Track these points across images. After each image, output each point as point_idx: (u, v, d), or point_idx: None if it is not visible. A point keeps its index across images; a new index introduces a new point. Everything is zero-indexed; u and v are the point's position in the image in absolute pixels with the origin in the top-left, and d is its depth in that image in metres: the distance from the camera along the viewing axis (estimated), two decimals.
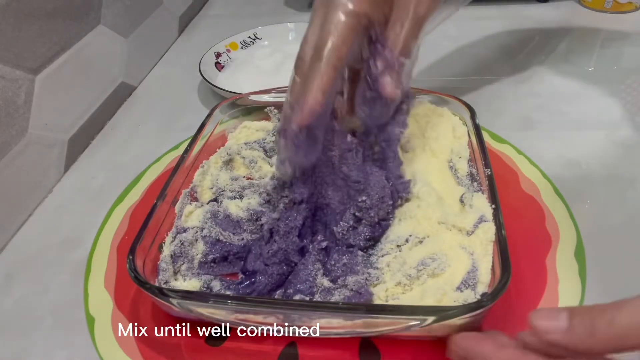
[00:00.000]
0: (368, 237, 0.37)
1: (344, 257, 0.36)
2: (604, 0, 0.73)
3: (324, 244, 0.37)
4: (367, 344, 0.34)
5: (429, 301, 0.31)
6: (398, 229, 0.37)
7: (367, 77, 0.35)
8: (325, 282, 0.35)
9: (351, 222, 0.37)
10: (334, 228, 0.37)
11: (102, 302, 0.39)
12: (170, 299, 0.31)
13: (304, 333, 0.32)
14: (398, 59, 0.34)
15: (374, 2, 0.32)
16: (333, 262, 0.36)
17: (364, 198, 0.36)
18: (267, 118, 0.50)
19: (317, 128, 0.34)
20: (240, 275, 0.38)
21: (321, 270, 0.36)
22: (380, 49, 0.34)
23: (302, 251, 0.37)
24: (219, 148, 0.47)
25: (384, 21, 0.34)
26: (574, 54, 0.66)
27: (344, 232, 0.37)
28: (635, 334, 0.23)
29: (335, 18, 0.32)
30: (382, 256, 0.36)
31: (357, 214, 0.37)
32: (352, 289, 0.34)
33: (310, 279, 0.35)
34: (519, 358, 0.26)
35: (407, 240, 0.36)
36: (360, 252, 0.37)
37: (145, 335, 0.36)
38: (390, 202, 0.37)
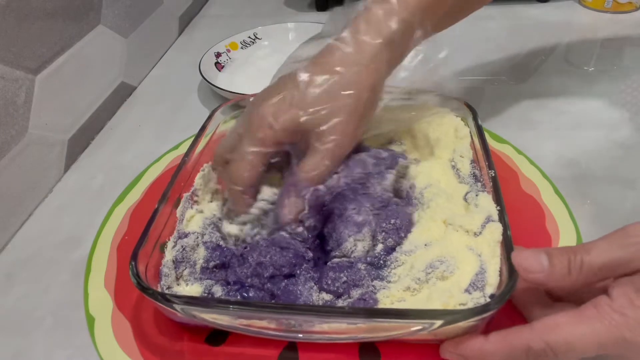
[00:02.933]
0: (383, 256, 0.36)
1: (342, 274, 0.34)
2: (604, 0, 0.73)
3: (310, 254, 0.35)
4: (367, 345, 0.34)
5: (436, 304, 0.31)
6: (412, 237, 0.36)
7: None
8: (325, 296, 0.34)
9: (366, 247, 0.35)
10: (346, 243, 0.35)
11: (102, 302, 0.39)
12: (174, 305, 0.31)
13: (308, 339, 0.32)
14: (302, 187, 0.35)
15: (283, 130, 0.35)
16: (330, 281, 0.34)
17: (393, 221, 0.36)
18: None
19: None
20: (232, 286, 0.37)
21: (315, 288, 0.34)
22: (292, 175, 0.36)
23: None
24: None
25: (304, 148, 0.36)
26: (574, 54, 0.66)
27: (353, 250, 0.35)
28: (603, 272, 0.27)
29: (246, 144, 0.36)
30: (395, 268, 0.35)
31: (378, 236, 0.36)
32: (357, 298, 0.33)
33: (303, 298, 0.33)
34: (503, 339, 0.28)
35: (425, 245, 0.35)
36: (362, 266, 0.34)
37: (145, 335, 0.36)
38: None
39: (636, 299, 0.25)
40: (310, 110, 0.34)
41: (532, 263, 0.29)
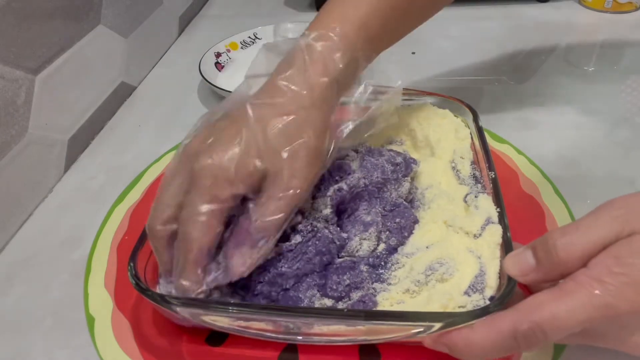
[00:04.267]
0: (384, 256, 0.35)
1: (345, 276, 0.33)
2: (604, 0, 0.73)
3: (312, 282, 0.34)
4: (367, 346, 0.34)
5: (435, 306, 0.30)
6: (413, 239, 0.36)
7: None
8: (327, 302, 0.33)
9: (371, 246, 0.35)
10: (351, 242, 0.35)
11: (102, 302, 0.39)
12: (172, 306, 0.31)
13: (307, 341, 0.32)
14: (255, 237, 0.32)
15: (236, 180, 0.31)
16: (334, 286, 0.33)
17: (398, 220, 0.36)
18: None
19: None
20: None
21: (317, 295, 0.33)
22: (246, 219, 0.32)
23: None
24: None
25: (257, 191, 0.32)
26: (574, 54, 0.66)
27: (358, 249, 0.35)
28: (591, 252, 0.26)
29: (198, 204, 0.31)
30: (396, 270, 0.35)
31: (382, 235, 0.36)
32: (356, 300, 0.33)
33: (304, 305, 0.33)
34: (488, 327, 0.27)
35: (427, 247, 0.35)
36: (365, 268, 0.34)
37: (145, 335, 0.36)
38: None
39: (613, 265, 0.25)
40: (270, 155, 0.32)
41: (520, 266, 0.29)
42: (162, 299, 0.31)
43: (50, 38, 0.51)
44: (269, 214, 0.32)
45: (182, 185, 0.32)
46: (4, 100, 0.45)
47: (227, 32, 0.70)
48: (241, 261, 0.32)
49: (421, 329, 0.28)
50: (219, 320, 0.32)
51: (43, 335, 0.37)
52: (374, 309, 0.32)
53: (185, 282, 0.32)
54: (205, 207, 0.31)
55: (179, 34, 0.81)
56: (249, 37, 0.71)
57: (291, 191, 0.32)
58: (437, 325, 0.28)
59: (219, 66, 0.66)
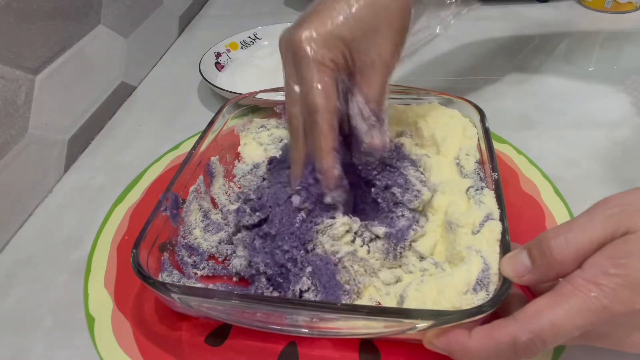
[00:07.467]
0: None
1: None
2: (604, 0, 0.73)
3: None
4: (367, 343, 0.34)
5: (446, 305, 0.31)
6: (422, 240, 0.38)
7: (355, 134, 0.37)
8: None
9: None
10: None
11: (102, 302, 0.39)
12: (172, 294, 0.31)
13: (301, 332, 0.33)
14: (376, 116, 0.36)
15: (333, 46, 0.34)
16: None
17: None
18: (278, 116, 0.50)
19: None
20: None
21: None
22: (359, 108, 0.36)
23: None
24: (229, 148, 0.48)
25: (347, 63, 0.35)
26: (574, 54, 0.66)
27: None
28: (586, 251, 0.26)
29: (310, 74, 0.34)
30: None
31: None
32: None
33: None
34: (487, 335, 0.27)
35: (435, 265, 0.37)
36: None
37: (145, 334, 0.36)
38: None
39: (608, 266, 0.24)
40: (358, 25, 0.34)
41: (515, 267, 0.28)
42: (163, 287, 0.31)
43: (50, 38, 0.51)
44: (375, 94, 0.35)
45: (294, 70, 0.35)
46: (4, 100, 0.45)
47: (227, 32, 0.70)
48: (380, 138, 0.36)
49: (413, 326, 0.29)
50: (217, 310, 0.32)
51: (43, 335, 0.37)
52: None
53: (324, 162, 0.34)
54: (315, 75, 0.33)
55: (179, 34, 0.81)
56: (249, 37, 0.71)
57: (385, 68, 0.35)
58: (429, 323, 0.28)
59: (219, 66, 0.66)
